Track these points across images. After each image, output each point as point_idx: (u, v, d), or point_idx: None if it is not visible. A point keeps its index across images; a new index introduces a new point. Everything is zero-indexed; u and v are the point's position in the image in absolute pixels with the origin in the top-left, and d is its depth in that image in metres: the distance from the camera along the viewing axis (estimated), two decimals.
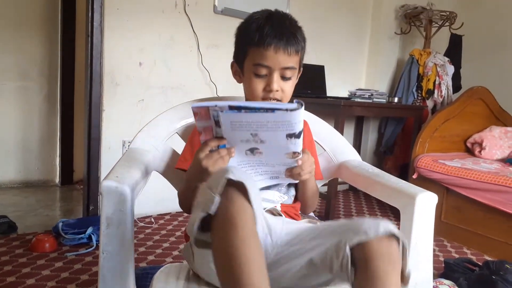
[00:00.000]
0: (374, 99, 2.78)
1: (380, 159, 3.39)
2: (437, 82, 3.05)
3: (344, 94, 3.03)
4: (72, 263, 1.74)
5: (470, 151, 2.80)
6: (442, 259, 1.98)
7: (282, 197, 1.02)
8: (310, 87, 2.81)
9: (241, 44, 0.99)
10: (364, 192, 1.10)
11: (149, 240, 2.05)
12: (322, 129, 1.23)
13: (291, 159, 0.86)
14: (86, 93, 2.20)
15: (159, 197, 2.35)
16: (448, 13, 3.11)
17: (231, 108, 0.76)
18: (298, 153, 0.85)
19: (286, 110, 0.74)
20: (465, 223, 2.29)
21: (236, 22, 1.01)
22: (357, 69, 3.34)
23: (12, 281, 1.56)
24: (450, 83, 3.11)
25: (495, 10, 3.24)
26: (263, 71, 0.94)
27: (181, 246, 1.95)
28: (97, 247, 1.88)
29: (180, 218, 2.38)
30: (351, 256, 0.70)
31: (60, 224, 1.96)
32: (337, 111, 2.48)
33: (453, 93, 3.16)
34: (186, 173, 0.94)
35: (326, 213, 2.55)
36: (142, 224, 2.26)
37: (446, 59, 3.11)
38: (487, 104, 2.84)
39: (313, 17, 2.96)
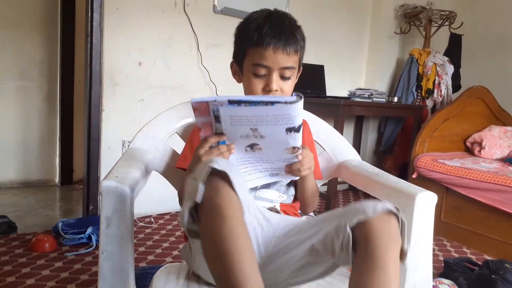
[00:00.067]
0: (374, 99, 2.78)
1: (380, 158, 3.39)
2: (436, 82, 3.05)
3: (344, 93, 3.04)
4: (72, 263, 1.74)
5: (469, 151, 2.80)
6: (441, 258, 1.98)
7: (281, 196, 1.02)
8: (310, 86, 2.81)
9: (240, 44, 0.99)
10: (364, 191, 1.10)
11: (149, 240, 2.05)
12: (321, 129, 1.23)
13: (291, 155, 0.86)
14: (85, 93, 2.20)
15: (159, 197, 2.35)
16: (447, 12, 3.11)
17: (231, 102, 0.76)
18: (298, 148, 0.85)
19: (286, 103, 0.74)
20: (465, 222, 2.29)
21: (236, 22, 1.01)
22: (357, 69, 3.34)
23: (12, 281, 1.56)
24: (449, 83, 3.11)
25: (495, 9, 3.24)
26: (262, 71, 0.94)
27: (181, 246, 1.95)
28: (97, 247, 1.88)
29: None
30: (352, 237, 0.70)
31: (60, 224, 1.96)
32: (337, 111, 2.48)
33: (453, 92, 3.16)
34: (186, 171, 0.94)
35: None
36: (142, 224, 2.26)
37: (446, 58, 3.11)
38: (486, 103, 2.84)
39: (313, 16, 2.96)
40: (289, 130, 0.79)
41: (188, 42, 2.45)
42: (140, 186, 0.92)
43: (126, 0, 2.20)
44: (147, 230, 2.18)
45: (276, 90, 0.95)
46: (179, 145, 1.10)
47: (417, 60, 3.13)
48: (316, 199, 1.09)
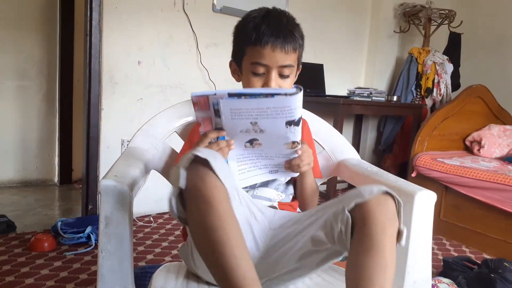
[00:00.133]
0: (373, 98, 2.78)
1: (379, 157, 3.39)
2: (436, 81, 3.05)
3: (343, 92, 3.03)
4: (71, 262, 1.73)
5: (469, 150, 2.80)
6: (441, 257, 1.99)
7: (280, 195, 1.02)
8: (309, 85, 2.81)
9: (238, 43, 0.99)
10: None
11: (148, 239, 2.05)
12: (321, 128, 1.23)
13: (290, 150, 0.86)
14: (84, 92, 2.20)
15: (158, 196, 2.35)
16: (447, 11, 3.11)
17: (231, 95, 0.76)
18: (297, 143, 0.85)
19: (285, 94, 0.75)
20: (464, 221, 2.29)
21: (235, 21, 1.01)
22: (356, 68, 3.34)
23: (11, 280, 1.55)
24: (449, 82, 3.11)
25: (494, 8, 3.24)
26: (261, 70, 0.94)
27: (180, 245, 1.95)
28: (96, 246, 1.88)
29: None
30: (351, 221, 0.71)
31: (59, 223, 1.96)
32: (336, 110, 2.48)
33: (452, 91, 3.16)
34: None
35: None
36: (141, 223, 2.26)
37: (445, 57, 3.11)
38: (486, 102, 2.84)
39: (312, 15, 2.96)
40: (289, 123, 0.80)
41: (187, 41, 2.44)
42: (139, 185, 0.92)
43: None
44: (147, 230, 2.18)
45: None
46: (178, 144, 1.10)
47: (416, 59, 3.13)
48: (316, 198, 1.09)
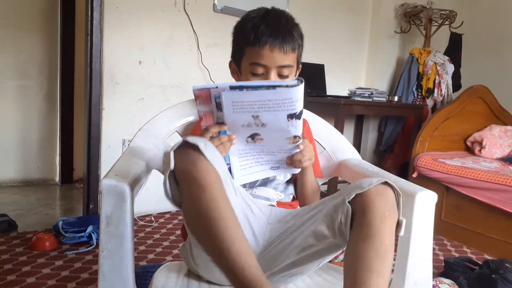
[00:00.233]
0: (374, 98, 2.78)
1: (380, 158, 3.39)
2: (437, 81, 3.05)
3: (344, 93, 3.03)
4: (72, 262, 1.74)
5: (470, 150, 2.80)
6: (442, 258, 1.98)
7: (279, 195, 1.02)
8: (310, 86, 2.81)
9: (237, 44, 0.99)
10: None
11: (149, 238, 2.05)
12: (322, 128, 1.23)
13: (292, 145, 0.86)
14: (85, 92, 2.20)
15: (159, 195, 2.32)
16: (448, 11, 3.11)
17: (232, 88, 0.77)
18: (299, 137, 0.85)
19: (287, 86, 0.76)
20: (465, 222, 2.29)
21: (236, 21, 1.01)
22: (357, 68, 3.34)
23: (12, 279, 1.56)
24: (450, 82, 3.11)
25: (495, 8, 3.23)
26: (260, 70, 0.94)
27: (181, 245, 1.95)
28: (97, 245, 1.88)
29: (180, 217, 2.38)
30: (351, 212, 0.72)
31: (60, 222, 1.96)
32: (337, 110, 2.48)
33: (453, 92, 3.15)
34: None
35: None
36: (142, 222, 2.26)
37: (446, 57, 3.11)
38: (487, 103, 2.84)
39: (313, 16, 2.96)
40: (291, 116, 0.80)
41: (188, 41, 2.45)
42: (140, 184, 0.92)
43: None
44: (148, 229, 2.18)
45: None
46: None
47: (417, 60, 3.13)
48: (317, 198, 1.09)
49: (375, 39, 3.30)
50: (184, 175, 0.69)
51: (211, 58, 2.51)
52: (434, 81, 3.05)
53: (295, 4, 2.80)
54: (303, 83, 0.76)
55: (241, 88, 0.76)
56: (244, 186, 0.97)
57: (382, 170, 1.09)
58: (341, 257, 1.61)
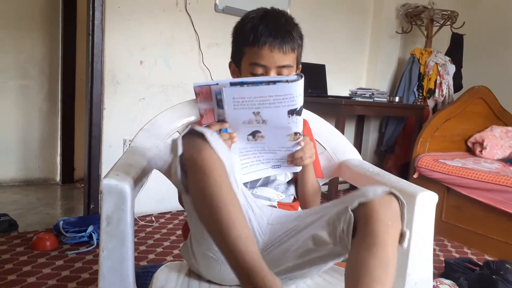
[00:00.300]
0: (375, 99, 2.78)
1: (381, 158, 3.39)
2: (438, 82, 3.05)
3: (345, 93, 3.03)
4: (73, 262, 1.74)
5: (471, 151, 2.80)
6: (442, 258, 1.98)
7: (279, 195, 1.02)
8: (311, 86, 2.81)
9: (237, 44, 0.99)
10: None
11: (150, 238, 2.05)
12: (322, 128, 1.23)
13: (293, 142, 0.87)
14: (87, 91, 2.20)
15: (160, 195, 2.35)
16: (449, 12, 3.10)
17: (233, 84, 0.77)
18: (300, 134, 0.85)
19: (287, 81, 0.76)
20: (466, 222, 2.29)
21: (237, 21, 1.01)
22: (358, 68, 3.34)
23: (13, 279, 1.56)
24: (451, 83, 3.10)
25: (496, 9, 3.23)
26: (260, 70, 0.94)
27: (182, 244, 1.95)
28: (98, 245, 1.87)
29: (181, 217, 2.38)
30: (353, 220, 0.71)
31: (61, 222, 1.96)
32: (338, 110, 2.48)
33: (454, 92, 3.15)
34: None
35: None
36: (142, 222, 2.26)
37: (447, 58, 3.11)
38: (488, 103, 2.84)
39: (314, 16, 2.96)
40: (291, 112, 0.81)
41: (189, 41, 2.45)
42: (141, 184, 0.92)
43: None
44: (148, 229, 2.18)
45: None
46: None
47: (418, 60, 3.13)
48: (318, 198, 1.09)
49: (376, 39, 3.30)
50: (190, 162, 0.71)
51: (212, 58, 2.51)
52: (435, 82, 3.05)
53: (296, 4, 2.79)
54: (303, 78, 0.76)
55: (241, 84, 0.77)
56: (245, 185, 0.97)
57: (383, 170, 1.09)
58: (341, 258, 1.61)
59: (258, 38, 0.91)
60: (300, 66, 1.03)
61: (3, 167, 2.89)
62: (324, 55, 3.04)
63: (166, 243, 2.01)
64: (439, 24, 3.19)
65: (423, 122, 2.83)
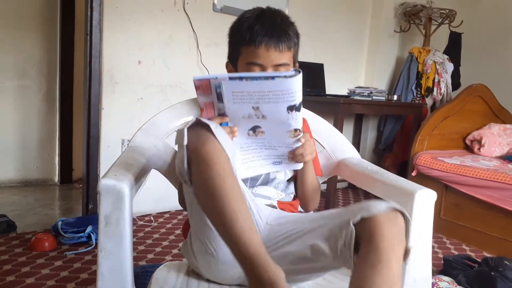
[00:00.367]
0: (374, 97, 2.78)
1: (379, 156, 3.39)
2: (436, 80, 3.05)
3: (344, 92, 3.03)
4: (72, 262, 1.74)
5: (469, 149, 2.80)
6: (441, 256, 1.99)
7: (279, 194, 1.02)
8: (310, 85, 2.81)
9: (234, 44, 1.00)
10: (363, 189, 1.10)
11: (149, 238, 2.05)
12: (321, 127, 1.23)
13: (293, 139, 0.87)
14: (85, 91, 2.20)
15: (158, 195, 2.35)
16: (447, 11, 3.11)
17: (232, 79, 0.78)
18: (300, 130, 0.86)
19: (285, 77, 0.77)
20: (464, 220, 2.29)
21: (233, 21, 1.01)
22: (357, 67, 3.34)
23: (11, 280, 1.56)
24: (449, 81, 3.11)
25: (495, 8, 3.23)
26: (256, 69, 0.94)
27: (181, 245, 1.95)
28: (97, 245, 1.87)
29: (180, 217, 2.38)
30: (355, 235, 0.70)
31: (60, 223, 1.96)
32: (337, 109, 2.48)
33: (452, 90, 3.16)
34: None
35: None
36: (141, 222, 2.26)
37: (446, 56, 3.11)
38: (486, 101, 2.84)
39: (313, 15, 2.96)
40: (290, 108, 0.81)
41: (187, 41, 2.44)
42: (139, 184, 0.92)
43: None
44: (147, 229, 2.18)
45: None
46: None
47: (416, 59, 3.13)
48: (318, 196, 1.09)
49: (374, 38, 3.30)
50: (194, 153, 0.72)
51: (210, 57, 2.51)
52: (433, 80, 3.05)
53: (294, 3, 2.79)
54: (301, 74, 0.77)
55: (240, 78, 0.77)
56: (244, 184, 0.97)
57: (382, 169, 1.09)
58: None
59: (254, 37, 0.91)
60: (297, 64, 1.03)
61: (1, 167, 2.88)
62: (323, 54, 3.04)
63: (165, 243, 2.01)
64: (437, 23, 3.19)
65: (421, 121, 2.84)
